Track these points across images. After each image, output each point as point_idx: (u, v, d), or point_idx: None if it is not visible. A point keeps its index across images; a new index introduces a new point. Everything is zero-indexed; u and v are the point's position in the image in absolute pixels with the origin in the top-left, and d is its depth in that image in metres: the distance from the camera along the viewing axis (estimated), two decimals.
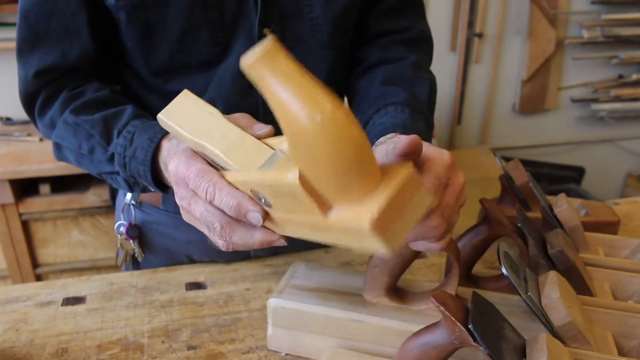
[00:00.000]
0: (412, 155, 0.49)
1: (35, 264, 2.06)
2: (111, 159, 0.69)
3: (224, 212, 0.51)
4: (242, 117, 0.57)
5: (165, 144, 0.63)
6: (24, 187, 1.98)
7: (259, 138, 0.54)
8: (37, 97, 0.74)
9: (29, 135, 2.08)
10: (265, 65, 0.37)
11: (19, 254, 2.01)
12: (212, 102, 0.72)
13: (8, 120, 2.21)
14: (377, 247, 0.39)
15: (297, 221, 0.47)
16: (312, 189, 0.41)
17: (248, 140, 0.53)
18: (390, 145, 0.52)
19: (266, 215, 0.50)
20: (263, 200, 0.49)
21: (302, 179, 0.41)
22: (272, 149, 0.54)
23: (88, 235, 2.06)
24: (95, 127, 0.69)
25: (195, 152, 0.55)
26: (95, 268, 2.10)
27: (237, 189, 0.51)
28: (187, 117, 0.55)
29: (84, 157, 0.72)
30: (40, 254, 2.06)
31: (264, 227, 0.52)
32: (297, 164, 0.41)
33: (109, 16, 0.71)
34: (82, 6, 0.69)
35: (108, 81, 0.78)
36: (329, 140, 0.37)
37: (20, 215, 1.95)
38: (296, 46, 0.76)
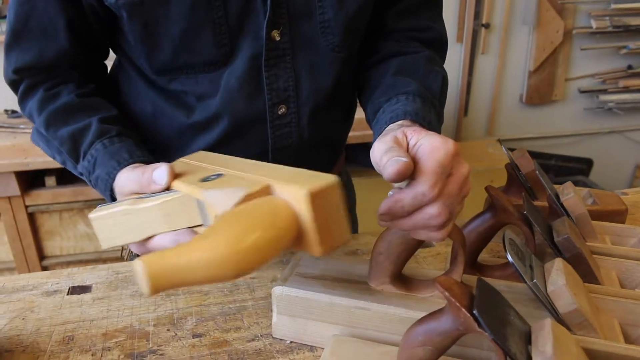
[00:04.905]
0: (400, 179, 0.51)
1: (41, 256, 2.08)
2: (81, 175, 0.73)
3: None
4: (140, 177, 0.59)
5: (118, 184, 0.66)
6: (30, 180, 1.99)
7: (169, 186, 0.57)
8: (18, 86, 0.76)
9: None
10: (160, 288, 0.41)
11: (26, 246, 2.03)
12: (220, 110, 0.75)
13: (14, 113, 2.21)
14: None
15: None
16: None
17: (169, 205, 0.55)
18: (386, 155, 0.52)
19: None
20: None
21: None
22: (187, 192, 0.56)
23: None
24: (63, 145, 0.72)
25: None
26: (101, 260, 2.11)
27: None
28: (117, 231, 0.58)
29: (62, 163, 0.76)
30: (47, 246, 2.08)
31: None
32: None
33: (101, 14, 0.72)
34: (61, 10, 0.70)
35: (90, 75, 0.79)
36: (252, 266, 0.43)
37: (26, 207, 1.97)
38: (305, 49, 0.74)
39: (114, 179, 0.66)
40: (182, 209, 0.54)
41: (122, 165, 0.67)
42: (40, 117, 0.74)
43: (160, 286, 0.40)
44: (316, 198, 0.44)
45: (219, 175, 0.54)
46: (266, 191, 0.47)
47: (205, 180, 0.53)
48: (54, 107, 0.74)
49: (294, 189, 0.44)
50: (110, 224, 0.58)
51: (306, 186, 0.44)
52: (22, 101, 0.77)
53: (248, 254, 0.42)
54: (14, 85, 0.77)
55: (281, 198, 0.46)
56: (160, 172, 0.58)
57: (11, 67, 0.74)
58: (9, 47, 0.73)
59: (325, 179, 0.45)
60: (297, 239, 0.46)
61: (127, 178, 0.62)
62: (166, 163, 0.59)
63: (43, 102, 0.74)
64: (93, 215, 0.58)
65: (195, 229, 0.55)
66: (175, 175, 0.57)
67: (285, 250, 0.45)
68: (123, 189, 0.64)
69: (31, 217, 2.00)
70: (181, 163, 0.63)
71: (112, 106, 0.77)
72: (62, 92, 0.75)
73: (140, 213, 0.56)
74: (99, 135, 0.71)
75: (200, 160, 0.63)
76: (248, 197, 0.46)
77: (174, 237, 0.55)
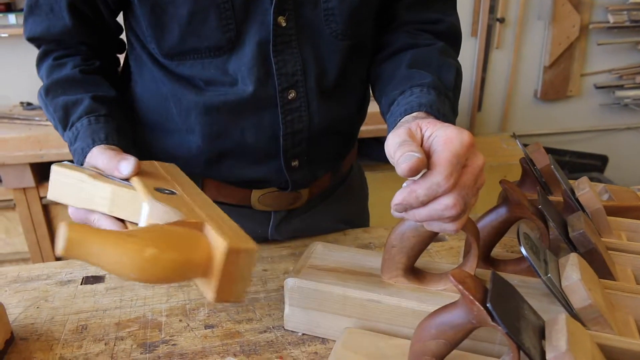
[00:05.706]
0: (414, 174, 0.52)
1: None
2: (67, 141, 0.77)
3: None
4: (109, 160, 0.63)
5: (89, 157, 0.69)
6: (45, 171, 2.00)
7: (128, 178, 0.61)
8: (38, 49, 0.83)
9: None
10: (71, 253, 0.44)
11: (40, 237, 2.04)
12: (229, 95, 0.76)
13: (29, 105, 2.23)
14: None
15: None
16: None
17: (120, 194, 0.59)
18: (399, 150, 0.53)
19: None
20: None
21: None
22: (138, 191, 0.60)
23: None
24: (57, 112, 0.77)
25: None
26: None
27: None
28: (66, 191, 0.62)
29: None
30: None
31: None
32: None
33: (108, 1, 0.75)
34: None
35: (99, 51, 0.84)
36: (152, 279, 0.48)
37: (41, 198, 1.98)
38: (309, 36, 0.75)
39: (86, 155, 0.69)
40: (129, 203, 0.59)
41: (95, 144, 0.70)
42: (45, 83, 0.79)
43: (73, 252, 0.44)
44: (232, 254, 0.49)
45: (172, 192, 0.60)
46: (198, 226, 0.53)
47: (159, 190, 0.59)
48: (57, 77, 0.78)
49: (219, 239, 0.50)
50: (64, 182, 0.62)
51: (229, 241, 0.49)
52: (37, 64, 0.83)
53: (156, 267, 0.47)
54: (35, 46, 0.83)
55: (206, 238, 0.52)
56: (126, 164, 0.61)
57: (25, 35, 0.81)
58: (25, 16, 0.80)
59: (247, 244, 0.51)
60: (202, 277, 0.51)
61: (100, 154, 0.65)
62: (135, 158, 0.62)
63: (50, 70, 0.80)
64: (56, 167, 0.62)
65: (128, 223, 0.60)
66: (138, 173, 0.61)
67: (186, 280, 0.51)
68: (91, 159, 0.67)
69: (45, 209, 2.02)
70: (151, 165, 0.67)
71: (112, 88, 0.80)
72: (67, 64, 0.79)
73: (94, 188, 0.60)
74: (88, 112, 0.74)
75: (169, 173, 0.68)
76: (180, 223, 0.52)
77: (113, 227, 0.60)
